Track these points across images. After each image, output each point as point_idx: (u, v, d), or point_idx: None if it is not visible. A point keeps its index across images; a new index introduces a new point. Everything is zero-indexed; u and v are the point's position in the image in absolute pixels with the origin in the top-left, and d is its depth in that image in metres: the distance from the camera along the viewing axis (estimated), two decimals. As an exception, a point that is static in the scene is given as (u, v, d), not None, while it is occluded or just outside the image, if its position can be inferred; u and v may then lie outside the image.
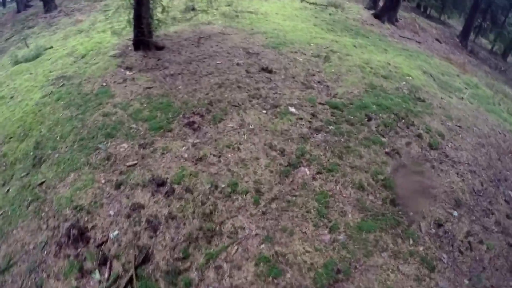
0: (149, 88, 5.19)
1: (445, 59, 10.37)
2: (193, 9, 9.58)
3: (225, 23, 8.48)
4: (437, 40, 12.85)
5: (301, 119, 4.55)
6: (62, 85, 5.53)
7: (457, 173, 4.50)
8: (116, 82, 5.42)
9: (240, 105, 4.79)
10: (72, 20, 10.33)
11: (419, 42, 11.26)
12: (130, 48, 6.56)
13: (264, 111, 4.67)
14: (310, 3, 12.54)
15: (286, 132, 4.32)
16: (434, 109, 5.78)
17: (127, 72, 5.74)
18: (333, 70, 6.18)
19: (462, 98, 7.10)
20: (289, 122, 4.48)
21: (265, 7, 10.68)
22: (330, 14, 11.33)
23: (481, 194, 4.34)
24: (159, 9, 6.66)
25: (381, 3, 13.99)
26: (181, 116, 4.58)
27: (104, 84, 5.37)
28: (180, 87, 5.25)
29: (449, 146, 4.98)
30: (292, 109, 4.69)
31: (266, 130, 4.34)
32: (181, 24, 8.34)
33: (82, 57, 6.62)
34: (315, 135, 4.37)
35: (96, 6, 11.71)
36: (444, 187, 4.18)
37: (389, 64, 7.05)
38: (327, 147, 4.23)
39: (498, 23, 18.89)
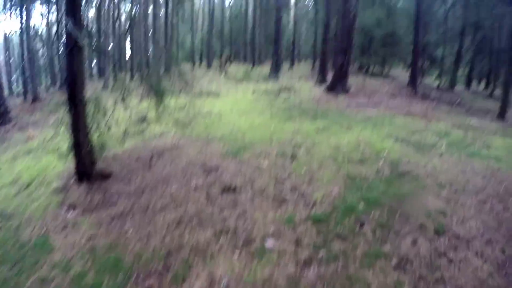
0: (94, 236, 4.29)
1: (407, 114, 10.41)
2: (145, 119, 9.07)
3: (179, 132, 8.11)
4: (392, 96, 13.32)
5: (284, 254, 3.73)
6: (0, 227, 4.61)
7: (476, 253, 3.73)
8: (57, 227, 4.50)
9: (205, 249, 3.95)
10: (24, 136, 9.59)
11: (376, 105, 11.48)
12: (74, 178, 5.76)
13: (236, 253, 3.84)
14: (262, 92, 12.94)
15: (269, 280, 3.44)
16: (422, 180, 5.21)
17: (70, 213, 4.87)
18: (304, 169, 5.62)
19: (441, 154, 6.69)
20: (270, 263, 3.63)
21: (218, 105, 10.70)
22: (284, 101, 11.57)
23: (507, 264, 3.60)
24: (105, 129, 6.01)
25: (329, 76, 14.86)
26: (133, 279, 3.62)
27: (44, 230, 4.47)
28: (130, 231, 4.36)
29: (455, 222, 4.27)
30: (270, 242, 3.89)
31: (245, 283, 3.44)
32: (133, 139, 7.83)
33: (26, 187, 5.80)
34: (305, 272, 3.49)
35: (51, 118, 10.76)
36: (471, 280, 3.33)
37: (359, 144, 6.68)
38: (325, 285, 3.34)
39: (436, 60, 20.56)
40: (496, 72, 20.91)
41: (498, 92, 18.41)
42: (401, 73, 24.90)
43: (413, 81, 15.76)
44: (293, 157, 6.15)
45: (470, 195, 4.92)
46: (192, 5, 33.11)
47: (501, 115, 11.98)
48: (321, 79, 14.33)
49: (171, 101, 7.99)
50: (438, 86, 18.44)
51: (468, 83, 21.63)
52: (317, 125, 8.40)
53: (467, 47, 20.61)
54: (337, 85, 12.24)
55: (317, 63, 25.98)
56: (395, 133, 7.88)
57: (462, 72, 21.22)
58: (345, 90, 12.38)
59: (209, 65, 27.96)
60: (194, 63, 30.39)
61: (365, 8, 18.40)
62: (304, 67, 27.45)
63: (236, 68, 24.73)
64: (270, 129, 8.06)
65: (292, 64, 27.40)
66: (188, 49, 34.56)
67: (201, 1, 39.29)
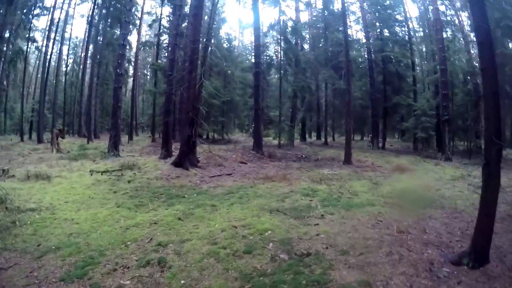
0: None
1: (265, 179, 9.82)
2: None
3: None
4: (242, 162, 12.88)
5: None
6: None
7: None
8: None
9: None
10: None
11: (230, 175, 10.53)
12: None
13: None
14: (102, 173, 10.03)
15: None
16: (325, 255, 4.50)
17: None
18: (182, 282, 3.93)
19: (322, 215, 6.23)
20: None
21: (49, 194, 7.69)
22: (129, 182, 9.24)
23: None
24: None
25: (174, 148, 13.40)
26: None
27: None
28: None
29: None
30: None
31: None
32: None
33: None
34: None
35: None
36: None
37: (235, 227, 5.55)
38: None
39: (274, 120, 22.80)
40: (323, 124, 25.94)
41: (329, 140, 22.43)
42: (240, 137, 26.57)
43: (257, 144, 16.17)
44: (162, 264, 4.33)
45: (375, 252, 4.59)
46: (25, 67, 26.97)
47: (347, 160, 13.20)
48: (166, 153, 12.65)
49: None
50: (279, 144, 19.90)
51: (303, 137, 25.15)
52: (177, 210, 6.69)
53: (298, 107, 24.07)
54: (185, 159, 10.75)
55: (158, 135, 24.97)
56: (266, 204, 7.08)
57: (296, 128, 24.48)
58: (194, 163, 11.00)
59: (39, 139, 22.51)
60: (22, 136, 23.71)
61: (204, 77, 18.84)
62: (143, 140, 25.77)
63: (70, 143, 20.82)
64: (120, 224, 5.90)
65: (130, 136, 25.17)
66: (17, 119, 27.36)
67: (36, 64, 33.06)
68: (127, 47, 22.99)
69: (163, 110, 20.97)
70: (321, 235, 5.22)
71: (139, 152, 16.23)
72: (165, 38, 26.46)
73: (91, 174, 10.00)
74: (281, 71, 21.82)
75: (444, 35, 19.66)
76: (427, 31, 25.89)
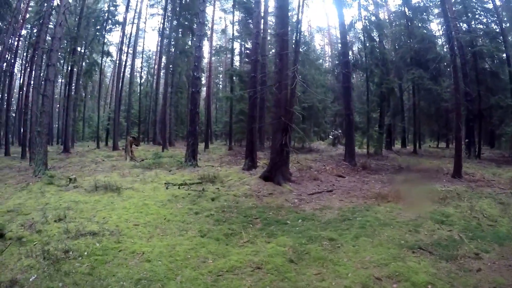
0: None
1: (378, 198, 7.86)
2: (2, 235, 5.09)
3: (41, 277, 3.96)
4: (338, 175, 11.10)
5: None
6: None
7: None
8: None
9: None
10: None
11: (331, 191, 8.83)
12: None
13: None
14: (179, 186, 9.15)
15: None
16: None
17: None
18: None
19: (477, 254, 4.53)
20: None
21: (117, 212, 6.52)
22: (212, 199, 7.83)
23: None
24: None
25: (259, 159, 12.22)
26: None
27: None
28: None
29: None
30: None
31: None
32: None
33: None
34: None
35: None
36: None
37: (380, 280, 3.94)
38: None
39: (358, 126, 20.39)
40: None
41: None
42: (320, 145, 24.54)
43: (350, 154, 14.25)
44: None
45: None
46: (100, 79, 29.21)
47: (457, 173, 10.96)
48: (250, 163, 11.45)
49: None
50: (368, 153, 17.65)
51: (389, 145, 22.23)
52: (283, 246, 4.99)
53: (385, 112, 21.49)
54: (277, 172, 9.30)
55: (233, 143, 24.17)
56: (401, 238, 5.30)
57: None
58: (287, 177, 9.53)
59: (114, 146, 23.29)
60: (98, 143, 25.29)
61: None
62: (219, 148, 24.80)
63: (145, 151, 20.79)
64: (208, 266, 4.34)
65: (206, 145, 24.48)
66: (94, 127, 29.68)
67: (111, 76, 35.90)
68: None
69: (244, 116, 20.73)
70: (498, 288, 3.73)
71: (217, 162, 15.12)
72: (235, 46, 26.23)
73: (167, 188, 8.85)
74: (368, 72, 19.59)
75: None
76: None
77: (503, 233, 5.63)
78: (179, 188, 8.91)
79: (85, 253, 4.57)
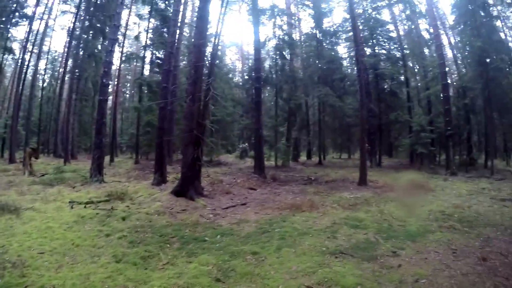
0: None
1: (292, 209, 8.22)
2: None
3: None
4: (250, 188, 11.39)
5: None
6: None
7: None
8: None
9: None
10: None
11: (245, 204, 9.02)
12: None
13: None
14: (85, 204, 8.26)
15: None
16: None
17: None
18: None
19: (394, 252, 4.62)
20: None
21: (18, 238, 5.58)
22: (123, 219, 7.21)
23: None
24: None
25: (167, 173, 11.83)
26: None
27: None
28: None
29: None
30: None
31: None
32: None
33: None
34: None
35: None
36: None
37: None
38: None
39: (266, 139, 21.46)
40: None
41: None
42: (228, 159, 24.85)
43: (259, 167, 14.86)
44: None
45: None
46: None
47: (363, 181, 12.23)
48: (160, 178, 11.02)
49: None
50: (276, 165, 18.80)
51: (296, 157, 24.07)
52: (206, 265, 4.76)
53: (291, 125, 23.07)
54: (189, 186, 9.11)
55: (140, 156, 23.09)
56: (321, 245, 5.58)
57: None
58: (200, 192, 9.40)
59: (11, 159, 20.02)
60: None
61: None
62: (125, 161, 23.31)
63: (45, 164, 18.37)
64: None
65: (111, 158, 22.57)
66: None
67: (11, 76, 30.37)
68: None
69: (152, 128, 19.66)
70: (420, 280, 4.21)
71: (125, 177, 14.12)
72: (147, 55, 24.89)
73: (72, 207, 7.95)
74: (277, 87, 20.85)
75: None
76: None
77: (413, 231, 6.30)
78: (85, 207, 8.07)
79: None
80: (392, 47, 24.11)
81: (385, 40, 23.99)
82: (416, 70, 26.03)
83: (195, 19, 11.78)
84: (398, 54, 23.81)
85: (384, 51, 24.01)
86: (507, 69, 16.92)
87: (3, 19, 21.77)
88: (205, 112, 9.62)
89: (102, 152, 13.13)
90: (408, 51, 23.72)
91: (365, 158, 13.42)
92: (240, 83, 30.82)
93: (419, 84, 24.73)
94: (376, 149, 22.00)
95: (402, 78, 23.72)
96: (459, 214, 7.57)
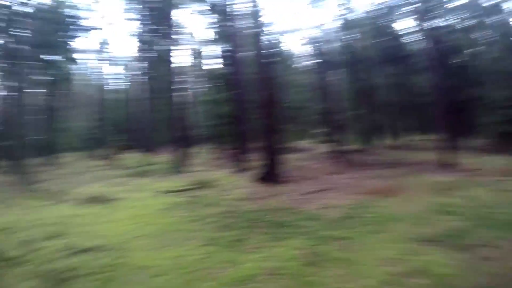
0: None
1: (378, 193, 7.77)
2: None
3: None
4: (333, 173, 11.17)
5: None
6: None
7: None
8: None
9: None
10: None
11: (330, 189, 8.82)
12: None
13: None
14: (174, 192, 9.04)
15: None
16: None
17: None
18: None
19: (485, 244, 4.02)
20: None
21: (113, 225, 6.25)
22: (211, 205, 7.64)
23: None
24: None
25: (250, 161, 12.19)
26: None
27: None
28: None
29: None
30: None
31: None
32: None
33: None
34: None
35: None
36: None
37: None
38: None
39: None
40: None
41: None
42: (306, 145, 24.51)
43: (338, 151, 14.53)
44: None
45: None
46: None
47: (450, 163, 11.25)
48: (240, 166, 11.45)
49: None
50: (354, 148, 18.10)
51: (371, 141, 22.63)
52: (295, 249, 4.80)
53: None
54: (270, 173, 9.34)
55: (222, 147, 23.79)
56: (410, 232, 5.15)
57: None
58: (283, 178, 9.56)
59: (100, 155, 22.60)
60: (82, 153, 24.45)
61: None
62: (207, 152, 24.21)
63: (130, 158, 20.07)
64: (224, 276, 4.08)
65: (191, 149, 24.05)
66: (76, 136, 28.35)
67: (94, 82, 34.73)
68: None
69: (225, 120, 20.63)
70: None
71: (206, 166, 14.90)
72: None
73: (162, 195, 8.73)
74: (349, 69, 20.01)
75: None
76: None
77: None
78: (174, 195, 8.72)
79: (91, 268, 4.32)
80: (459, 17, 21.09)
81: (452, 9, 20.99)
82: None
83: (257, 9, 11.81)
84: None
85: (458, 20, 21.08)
86: None
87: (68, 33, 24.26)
88: (278, 99, 9.66)
89: (183, 144, 14.17)
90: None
91: (449, 139, 12.21)
92: (310, 68, 30.19)
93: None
94: (457, 129, 19.68)
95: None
96: None
